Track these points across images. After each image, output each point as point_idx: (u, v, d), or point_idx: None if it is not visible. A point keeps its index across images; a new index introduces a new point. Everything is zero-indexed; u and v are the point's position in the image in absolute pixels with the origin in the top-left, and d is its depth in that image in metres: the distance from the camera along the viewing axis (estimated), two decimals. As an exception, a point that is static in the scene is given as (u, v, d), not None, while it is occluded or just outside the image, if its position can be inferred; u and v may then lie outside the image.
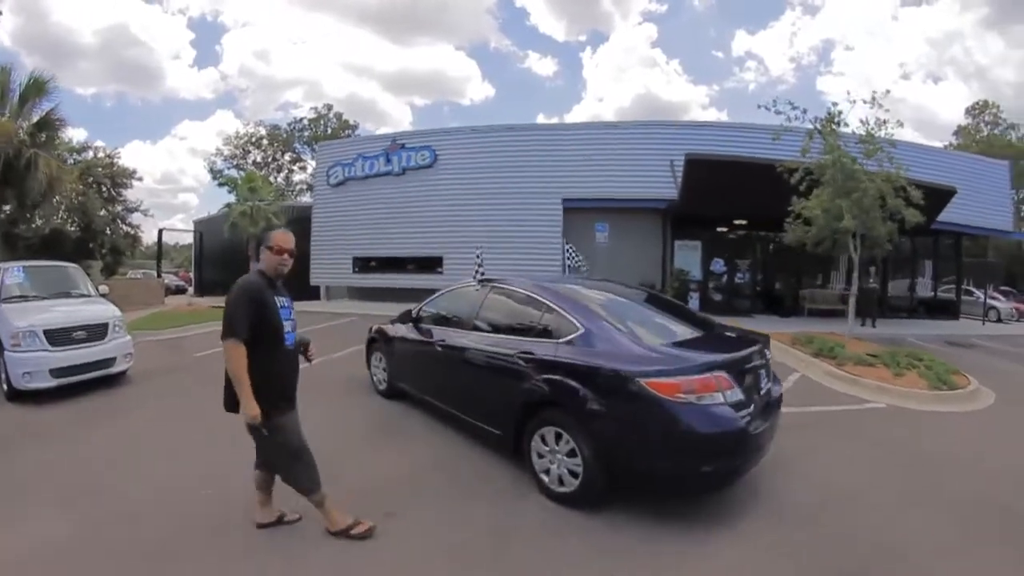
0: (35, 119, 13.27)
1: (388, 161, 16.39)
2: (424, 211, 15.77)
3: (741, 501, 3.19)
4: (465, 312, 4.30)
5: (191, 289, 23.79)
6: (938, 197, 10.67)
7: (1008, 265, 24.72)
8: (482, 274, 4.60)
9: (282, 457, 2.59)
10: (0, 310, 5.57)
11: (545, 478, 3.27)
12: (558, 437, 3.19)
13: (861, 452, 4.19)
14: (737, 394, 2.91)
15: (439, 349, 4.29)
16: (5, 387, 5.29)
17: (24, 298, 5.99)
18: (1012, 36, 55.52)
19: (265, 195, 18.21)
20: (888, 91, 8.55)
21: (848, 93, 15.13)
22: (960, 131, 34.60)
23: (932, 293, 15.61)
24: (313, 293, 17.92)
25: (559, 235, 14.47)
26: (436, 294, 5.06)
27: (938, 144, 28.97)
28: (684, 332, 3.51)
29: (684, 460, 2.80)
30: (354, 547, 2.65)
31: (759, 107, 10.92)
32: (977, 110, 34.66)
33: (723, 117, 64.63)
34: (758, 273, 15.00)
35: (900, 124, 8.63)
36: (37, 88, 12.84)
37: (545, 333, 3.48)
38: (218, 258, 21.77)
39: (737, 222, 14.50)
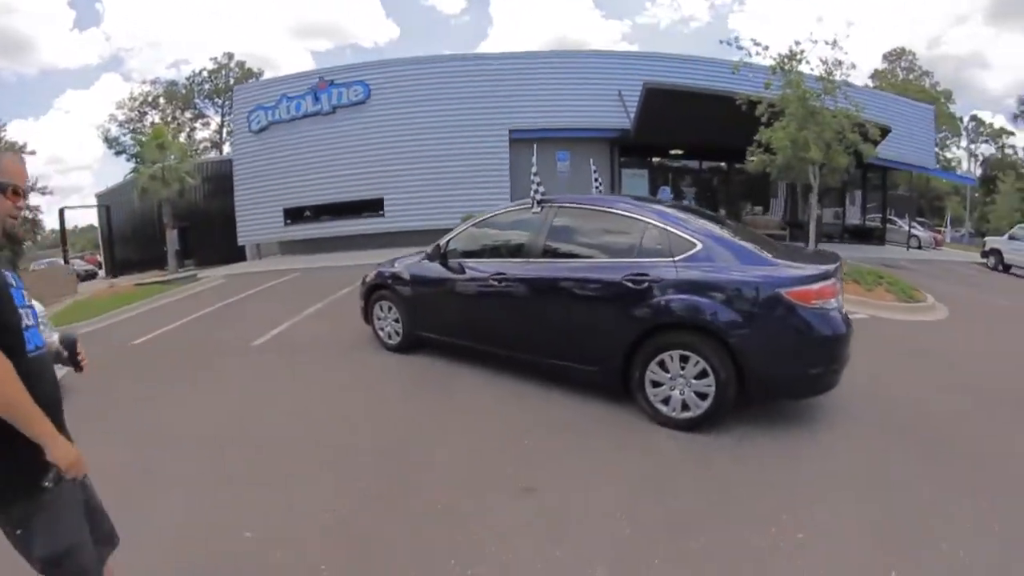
0: None
1: (316, 100, 14.61)
2: (359, 151, 14.40)
3: (823, 409, 3.23)
4: (526, 239, 3.73)
5: (101, 272, 21.09)
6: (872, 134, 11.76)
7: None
8: (542, 194, 3.95)
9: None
10: None
11: (663, 407, 3.01)
12: (683, 360, 2.91)
13: (881, 355, 4.44)
14: (841, 301, 3.01)
15: (495, 285, 3.70)
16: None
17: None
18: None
19: (176, 151, 16.02)
20: (848, 34, 8.92)
21: (811, 33, 15.88)
22: (877, 75, 36.12)
23: (860, 221, 17.31)
24: (239, 254, 16.07)
25: (506, 168, 13.93)
26: (466, 224, 4.37)
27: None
28: (772, 245, 3.41)
29: (812, 364, 2.90)
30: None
31: (721, 43, 11.10)
32: (894, 56, 36.71)
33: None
34: (703, 202, 15.83)
35: (854, 66, 9.16)
36: None
37: (652, 252, 3.11)
38: (130, 233, 19.55)
39: (676, 152, 14.91)
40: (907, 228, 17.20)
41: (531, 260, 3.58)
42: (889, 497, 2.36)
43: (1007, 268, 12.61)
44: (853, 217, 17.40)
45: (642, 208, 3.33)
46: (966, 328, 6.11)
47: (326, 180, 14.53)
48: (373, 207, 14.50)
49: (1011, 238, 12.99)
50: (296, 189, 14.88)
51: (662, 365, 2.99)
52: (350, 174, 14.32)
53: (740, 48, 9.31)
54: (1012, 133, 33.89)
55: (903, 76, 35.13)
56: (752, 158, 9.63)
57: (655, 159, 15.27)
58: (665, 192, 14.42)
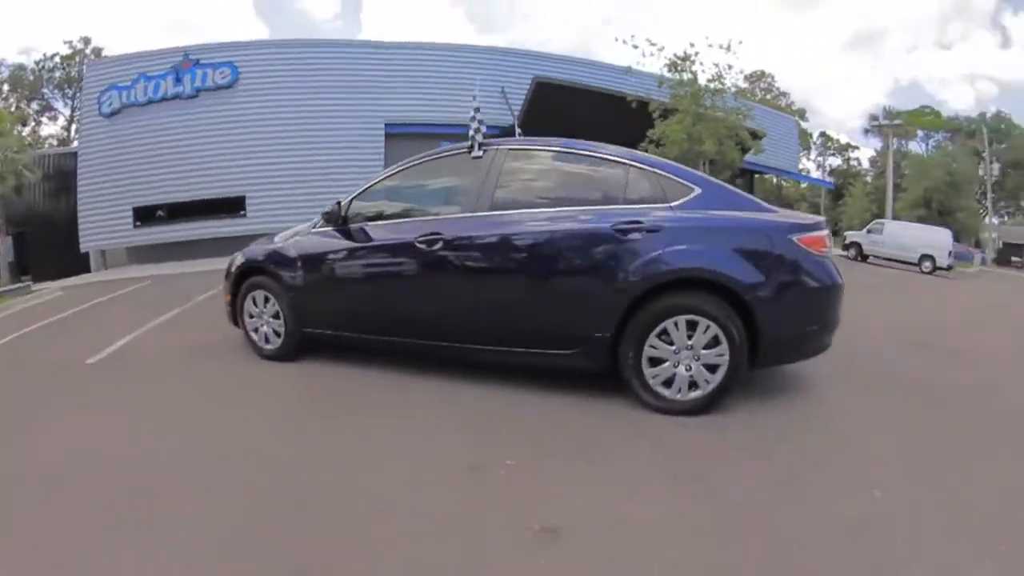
0: None
1: (178, 81, 12.59)
2: (223, 142, 12.67)
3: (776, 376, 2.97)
4: (466, 191, 2.83)
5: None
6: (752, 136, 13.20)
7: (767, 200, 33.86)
8: (484, 135, 3.07)
9: None
10: None
11: (666, 390, 2.39)
12: (691, 327, 2.32)
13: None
14: None
15: (425, 251, 2.72)
16: None
17: None
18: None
19: (12, 141, 13.15)
20: (741, 41, 9.50)
21: (707, 37, 17.16)
22: (739, 94, 42.90)
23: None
24: (80, 264, 13.16)
25: (381, 164, 12.82)
26: (380, 176, 3.26)
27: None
28: None
29: (819, 320, 2.55)
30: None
31: (616, 39, 11.51)
32: (755, 78, 40.40)
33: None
34: None
35: (742, 72, 10.09)
36: None
37: (642, 200, 2.49)
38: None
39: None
40: None
41: (476, 214, 2.70)
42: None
43: (865, 258, 14.80)
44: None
45: (619, 151, 2.70)
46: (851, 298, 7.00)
47: (183, 175, 12.48)
48: (234, 207, 12.80)
49: (869, 231, 15.30)
50: (149, 185, 12.60)
51: (663, 335, 2.37)
52: (210, 168, 12.45)
53: (635, 47, 9.72)
54: (857, 147, 40.44)
55: (761, 96, 38.60)
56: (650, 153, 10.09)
57: None
58: None
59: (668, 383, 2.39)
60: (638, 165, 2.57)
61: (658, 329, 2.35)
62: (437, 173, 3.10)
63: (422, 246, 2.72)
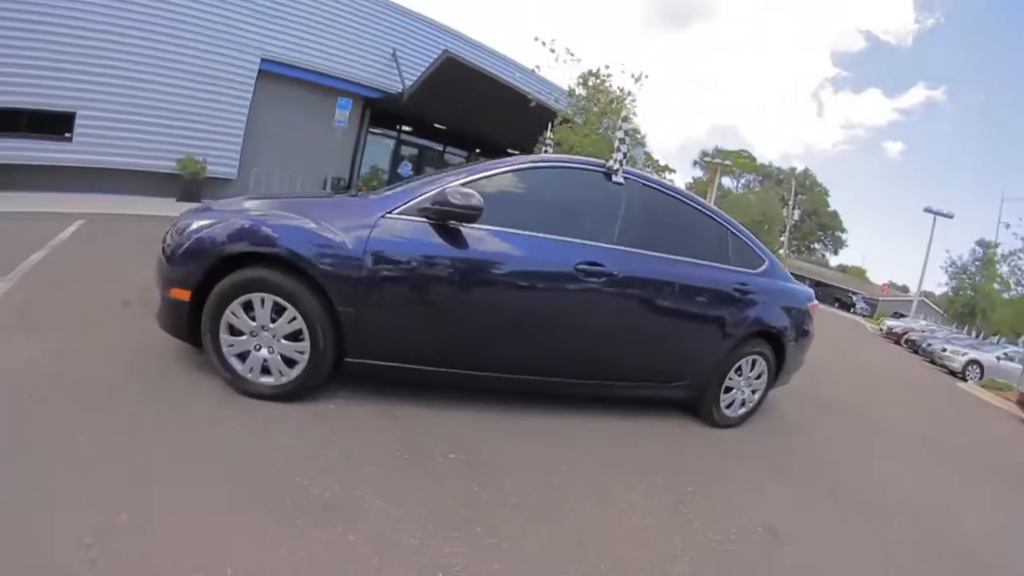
0: None
1: None
2: (53, 40, 7.50)
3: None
4: (605, 218, 2.64)
5: None
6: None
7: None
8: (621, 158, 2.67)
9: None
10: None
11: (727, 411, 3.14)
12: (753, 364, 3.13)
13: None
14: None
15: (581, 279, 2.44)
16: None
17: None
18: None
19: None
20: (646, 76, 9.83)
21: (623, 65, 16.88)
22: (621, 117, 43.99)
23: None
24: None
25: (246, 106, 9.65)
26: (496, 168, 2.49)
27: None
28: None
29: (803, 357, 3.62)
30: None
31: (535, 39, 10.21)
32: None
33: None
34: None
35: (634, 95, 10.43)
36: None
37: (739, 262, 3.09)
38: None
39: (438, 126, 13.54)
40: None
41: (637, 251, 2.63)
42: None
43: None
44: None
45: (723, 214, 3.19)
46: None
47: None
48: (58, 126, 7.93)
49: None
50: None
51: (738, 370, 3.08)
52: (31, 65, 7.30)
53: (552, 51, 9.71)
54: (675, 171, 49.52)
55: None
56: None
57: (405, 131, 13.33)
58: (405, 168, 12.76)
59: (729, 406, 3.13)
60: (735, 231, 3.13)
61: (736, 366, 3.04)
62: (567, 186, 2.67)
63: (580, 274, 2.43)
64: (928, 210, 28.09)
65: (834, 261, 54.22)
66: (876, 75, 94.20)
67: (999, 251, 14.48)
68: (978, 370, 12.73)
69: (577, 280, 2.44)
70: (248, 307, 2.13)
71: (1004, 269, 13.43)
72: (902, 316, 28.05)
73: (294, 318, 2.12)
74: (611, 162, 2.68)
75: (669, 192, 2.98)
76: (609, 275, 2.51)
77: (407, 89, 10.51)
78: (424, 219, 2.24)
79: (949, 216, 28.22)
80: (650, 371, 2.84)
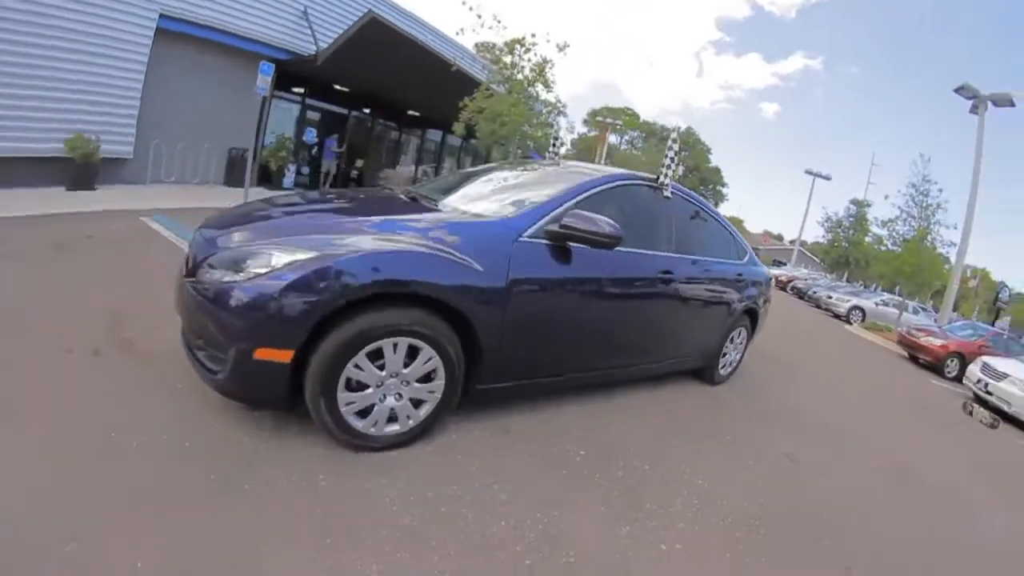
0: None
1: None
2: None
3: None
4: (661, 229, 3.14)
5: None
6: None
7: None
8: (670, 174, 2.98)
9: None
10: None
11: (722, 371, 3.99)
12: (740, 332, 4.01)
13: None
14: None
15: (660, 285, 3.01)
16: None
17: None
18: None
19: None
20: (568, 45, 10.06)
21: (548, 34, 16.34)
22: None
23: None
24: None
25: (142, 73, 7.94)
26: (584, 192, 2.64)
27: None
28: None
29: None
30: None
31: (463, 3, 9.66)
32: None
33: None
34: (352, 152, 13.50)
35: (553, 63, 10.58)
36: None
37: (735, 255, 3.85)
38: None
39: (346, 89, 12.07)
40: None
41: (689, 257, 3.27)
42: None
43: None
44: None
45: (726, 219, 3.90)
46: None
47: None
48: None
49: None
50: None
51: (730, 340, 3.92)
52: None
53: (479, 17, 9.69)
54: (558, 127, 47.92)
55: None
56: (480, 123, 10.12)
57: (320, 98, 11.78)
58: (310, 135, 11.31)
59: (723, 367, 3.99)
60: (730, 231, 3.90)
61: (731, 335, 3.88)
62: (635, 200, 3.03)
63: (659, 281, 2.99)
64: (809, 172, 31.90)
65: (715, 213, 61.10)
66: (758, 41, 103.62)
67: (879, 218, 16.99)
68: (860, 314, 16.01)
69: (656, 285, 2.98)
70: (375, 355, 1.93)
71: (883, 232, 15.93)
72: (782, 264, 31.72)
73: (430, 358, 2.06)
74: (661, 177, 3.12)
75: (693, 201, 3.56)
76: (674, 280, 3.08)
77: (322, 51, 9.58)
78: (550, 241, 2.34)
79: (827, 178, 31.78)
80: (682, 349, 3.52)
